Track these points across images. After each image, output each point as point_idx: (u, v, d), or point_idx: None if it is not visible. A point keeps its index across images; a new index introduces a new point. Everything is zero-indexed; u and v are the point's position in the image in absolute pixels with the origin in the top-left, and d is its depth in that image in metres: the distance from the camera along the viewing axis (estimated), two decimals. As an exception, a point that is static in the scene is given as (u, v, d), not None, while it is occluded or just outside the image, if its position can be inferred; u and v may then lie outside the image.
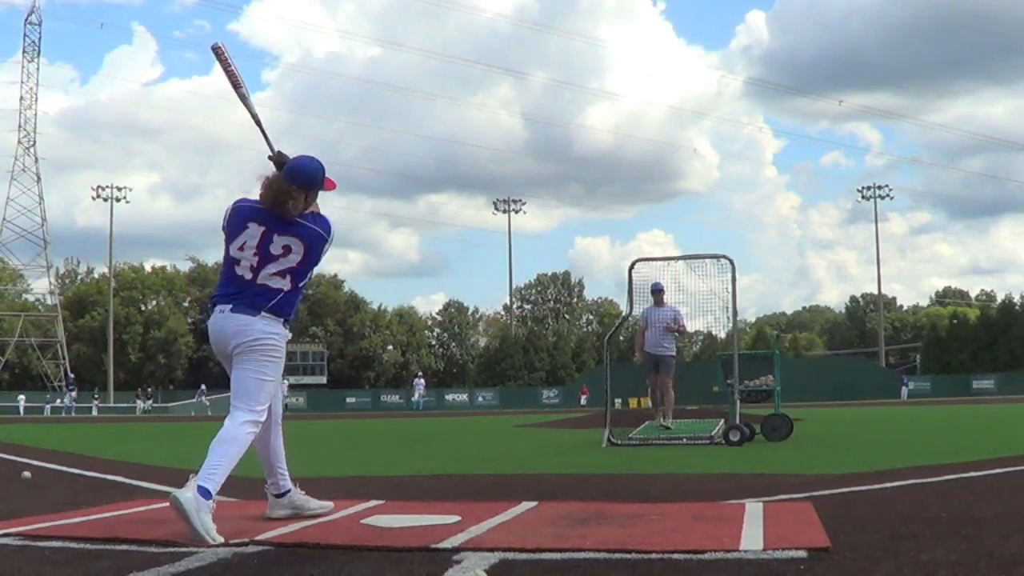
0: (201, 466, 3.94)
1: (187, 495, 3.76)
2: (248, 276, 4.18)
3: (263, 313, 4.15)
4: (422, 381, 53.25)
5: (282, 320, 4.24)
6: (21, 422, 28.62)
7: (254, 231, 4.19)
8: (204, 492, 3.81)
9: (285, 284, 4.20)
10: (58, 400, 53.68)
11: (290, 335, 4.34)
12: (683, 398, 13.07)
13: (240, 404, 4.13)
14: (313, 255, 4.25)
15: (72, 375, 51.77)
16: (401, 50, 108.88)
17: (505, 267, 71.79)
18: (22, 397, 52.68)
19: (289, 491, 4.48)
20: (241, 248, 4.19)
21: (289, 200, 4.17)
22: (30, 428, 21.24)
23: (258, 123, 4.40)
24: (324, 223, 4.30)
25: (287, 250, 4.18)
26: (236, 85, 4.36)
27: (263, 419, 4.18)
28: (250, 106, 4.40)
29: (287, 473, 4.49)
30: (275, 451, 4.47)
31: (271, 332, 4.17)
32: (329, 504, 4.60)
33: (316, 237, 4.23)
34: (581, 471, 7.31)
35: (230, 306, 4.16)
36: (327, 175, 4.28)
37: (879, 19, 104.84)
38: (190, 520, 3.71)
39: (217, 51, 4.30)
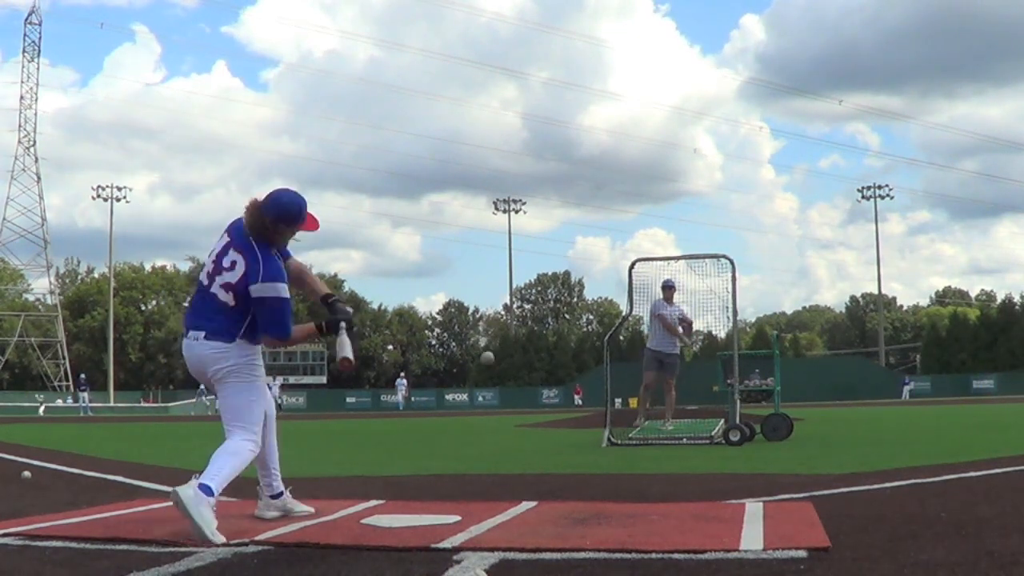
0: (204, 469, 3.98)
1: (188, 491, 3.77)
2: (205, 282, 4.28)
3: (237, 340, 4.20)
4: (404, 382, 53.20)
5: (245, 341, 4.23)
6: (35, 422, 28.56)
7: (223, 239, 4.30)
8: (206, 489, 3.83)
9: (229, 299, 4.19)
10: (68, 400, 53.58)
11: (261, 348, 4.36)
12: (683, 398, 13.07)
13: (237, 425, 4.18)
14: (245, 282, 4.16)
15: (83, 375, 51.90)
16: (402, 50, 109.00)
17: (505, 267, 71.78)
18: (40, 397, 52.45)
19: (283, 493, 4.50)
20: (209, 254, 4.33)
21: (264, 231, 4.20)
22: (30, 428, 21.22)
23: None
24: (269, 268, 4.16)
25: (232, 265, 4.20)
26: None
27: (260, 435, 4.25)
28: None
29: (279, 474, 4.52)
30: (270, 449, 4.50)
31: (245, 354, 4.23)
32: (310, 508, 4.56)
33: (253, 272, 4.15)
34: (581, 471, 7.30)
35: (203, 333, 4.21)
36: (311, 214, 4.28)
37: (876, 20, 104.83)
38: (190, 514, 3.72)
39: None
